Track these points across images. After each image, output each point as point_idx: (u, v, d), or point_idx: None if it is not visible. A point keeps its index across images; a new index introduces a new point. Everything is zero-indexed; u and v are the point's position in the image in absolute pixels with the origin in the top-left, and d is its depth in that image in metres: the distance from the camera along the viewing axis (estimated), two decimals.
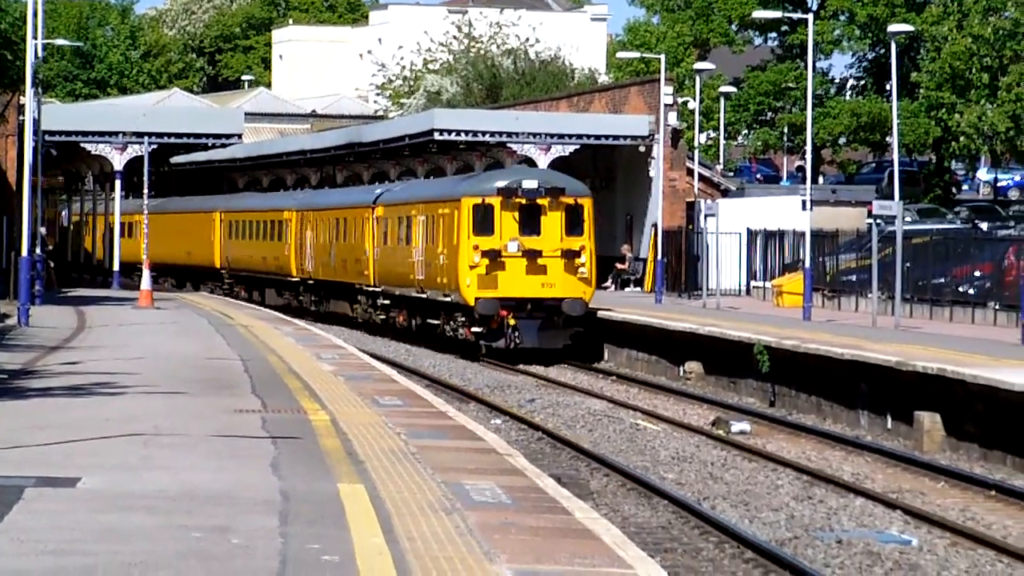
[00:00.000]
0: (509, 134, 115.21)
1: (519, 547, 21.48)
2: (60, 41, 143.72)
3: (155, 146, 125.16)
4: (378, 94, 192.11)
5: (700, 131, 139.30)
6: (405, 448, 33.88)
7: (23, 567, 19.28)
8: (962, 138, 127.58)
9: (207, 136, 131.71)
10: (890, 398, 54.98)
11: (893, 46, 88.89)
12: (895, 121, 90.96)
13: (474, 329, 62.67)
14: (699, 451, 51.19)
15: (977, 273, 79.99)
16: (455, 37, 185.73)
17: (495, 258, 60.72)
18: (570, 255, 61.33)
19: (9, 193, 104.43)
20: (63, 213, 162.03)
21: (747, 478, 45.47)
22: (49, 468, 28.91)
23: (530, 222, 61.03)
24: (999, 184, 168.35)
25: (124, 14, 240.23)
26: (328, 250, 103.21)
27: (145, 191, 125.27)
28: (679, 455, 50.17)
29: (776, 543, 34.95)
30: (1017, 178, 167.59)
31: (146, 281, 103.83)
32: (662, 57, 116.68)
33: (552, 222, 60.94)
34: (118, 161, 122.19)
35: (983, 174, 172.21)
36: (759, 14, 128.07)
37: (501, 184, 62.75)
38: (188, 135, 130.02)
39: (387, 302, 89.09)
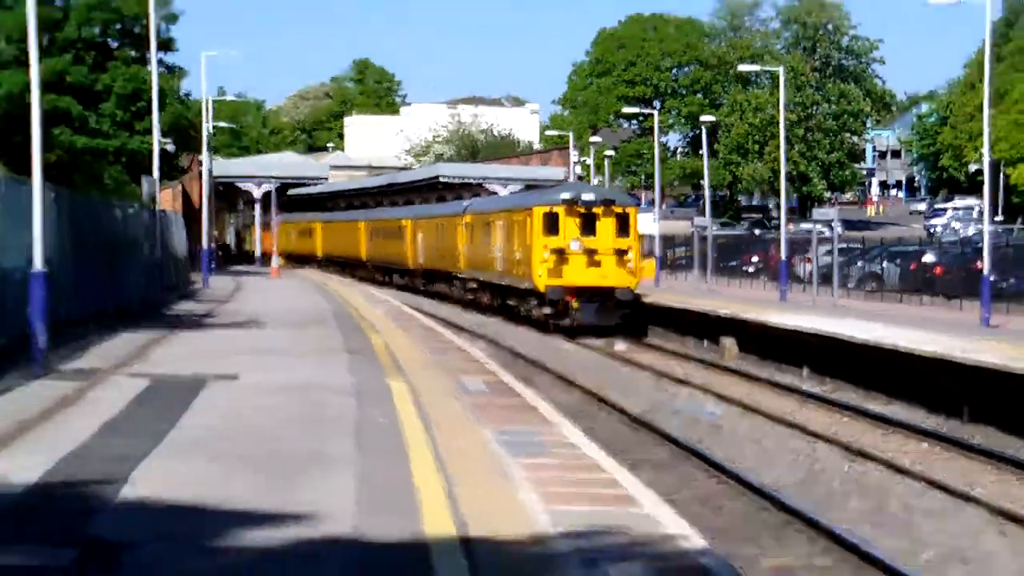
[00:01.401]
0: (484, 178, 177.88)
1: (494, 416, 28.94)
2: (221, 123, 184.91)
3: (278, 184, 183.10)
4: (407, 154, 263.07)
5: (593, 177, 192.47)
6: (428, 359, 45.11)
7: (209, 426, 29.09)
8: (743, 182, 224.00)
9: (308, 179, 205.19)
10: (707, 330, 79.61)
11: (704, 129, 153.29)
12: (706, 172, 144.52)
13: (544, 310, 71.64)
14: (597, 361, 71.74)
15: (754, 259, 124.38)
16: (450, 122, 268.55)
17: (560, 255, 69.89)
18: (620, 253, 70.63)
19: (194, 212, 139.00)
20: (229, 224, 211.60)
21: (624, 376, 64.62)
22: (222, 370, 40.32)
23: (588, 226, 69.65)
24: (768, 205, 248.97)
25: (259, 108, 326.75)
26: (432, 247, 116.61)
27: (273, 210, 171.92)
28: (586, 364, 69.06)
29: (640, 413, 49.45)
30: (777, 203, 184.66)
31: (274, 261, 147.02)
32: (571, 134, 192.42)
33: (605, 226, 69.78)
34: (256, 193, 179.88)
35: (756, 201, 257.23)
36: (627, 110, 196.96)
37: (565, 196, 71.62)
38: (297, 177, 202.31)
39: (474, 285, 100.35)
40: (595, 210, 69.33)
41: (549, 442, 27.83)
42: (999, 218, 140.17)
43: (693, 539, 19.42)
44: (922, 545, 28.60)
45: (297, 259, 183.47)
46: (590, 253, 68.85)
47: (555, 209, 69.12)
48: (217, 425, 28.84)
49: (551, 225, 68.94)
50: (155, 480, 22.38)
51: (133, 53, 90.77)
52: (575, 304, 68.00)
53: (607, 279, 67.98)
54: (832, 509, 31.30)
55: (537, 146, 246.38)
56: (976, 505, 32.56)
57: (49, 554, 17.36)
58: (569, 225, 68.64)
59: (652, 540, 19.15)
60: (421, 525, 19.33)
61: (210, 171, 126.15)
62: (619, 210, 70.89)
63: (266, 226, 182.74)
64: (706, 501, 31.81)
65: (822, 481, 34.29)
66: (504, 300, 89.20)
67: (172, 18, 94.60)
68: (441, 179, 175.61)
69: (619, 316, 69.64)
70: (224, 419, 30.02)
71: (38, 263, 40.43)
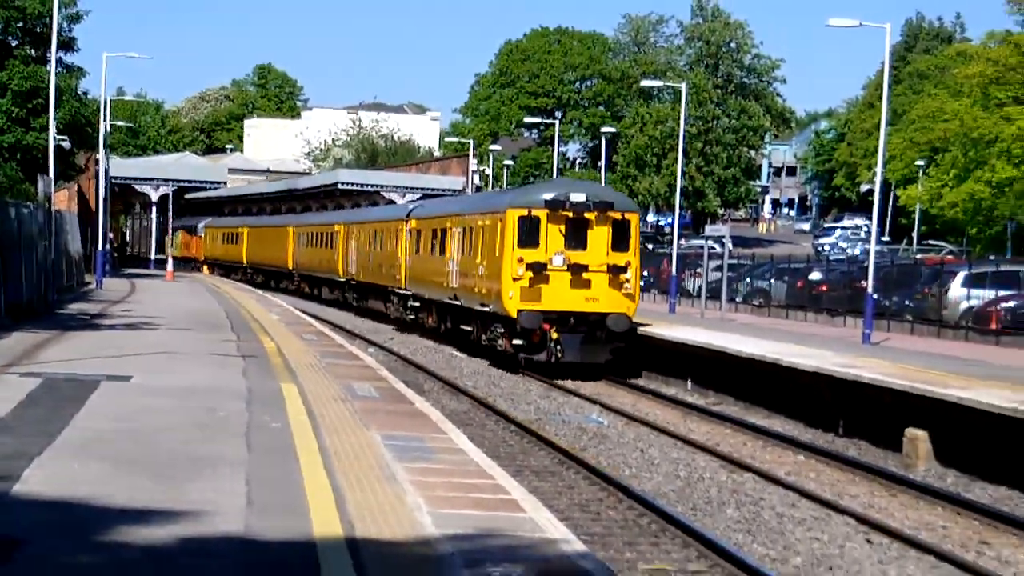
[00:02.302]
0: (383, 186, 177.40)
1: (383, 421, 29.43)
2: (119, 122, 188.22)
3: (175, 187, 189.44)
4: (306, 157, 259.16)
5: (491, 186, 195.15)
6: (319, 364, 43.50)
7: (102, 427, 28.95)
8: (639, 196, 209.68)
9: (206, 182, 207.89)
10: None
11: (603, 140, 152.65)
12: (603, 183, 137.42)
13: (515, 341, 57.82)
14: (487, 369, 68.61)
15: (644, 272, 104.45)
16: (351, 126, 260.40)
17: (539, 271, 55.91)
18: (616, 271, 56.46)
19: (90, 213, 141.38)
20: (125, 227, 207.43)
21: (512, 385, 62.44)
22: (114, 371, 40.66)
23: (577, 236, 56.11)
24: (661, 223, 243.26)
25: (158, 108, 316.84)
26: (367, 256, 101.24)
27: (170, 215, 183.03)
28: (475, 372, 67.47)
29: (528, 422, 48.56)
30: (670, 219, 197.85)
31: (169, 265, 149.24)
32: (471, 142, 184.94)
33: (599, 236, 55.89)
34: (153, 196, 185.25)
35: (651, 217, 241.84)
36: (528, 120, 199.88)
37: (548, 196, 57.63)
38: (195, 181, 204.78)
39: (416, 304, 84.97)
40: (587, 215, 57.39)
41: (435, 448, 28.11)
42: (886, 238, 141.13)
43: (574, 543, 19.74)
44: (792, 552, 28.86)
45: (222, 267, 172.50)
46: (578, 270, 56.32)
47: (535, 212, 57.10)
48: (110, 426, 28.99)
49: (529, 233, 56.67)
50: (47, 478, 22.60)
51: (33, 52, 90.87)
52: (555, 334, 55.92)
53: (598, 304, 55.94)
54: (708, 516, 31.57)
55: (437, 153, 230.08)
56: (845, 515, 33.20)
57: None
58: (552, 234, 56.55)
59: (534, 543, 19.45)
60: (310, 525, 19.59)
61: (107, 171, 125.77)
62: (617, 216, 58.19)
63: (190, 230, 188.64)
64: (586, 507, 31.97)
65: (700, 489, 34.69)
66: (456, 324, 75.97)
67: (76, 18, 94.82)
68: (340, 186, 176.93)
69: (609, 351, 57.40)
70: (117, 420, 30.13)
71: None
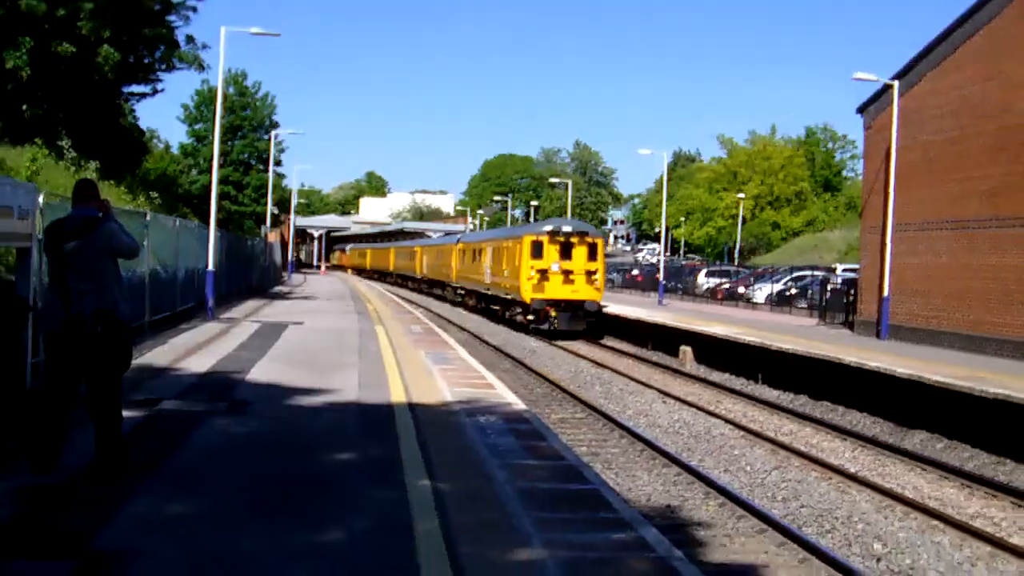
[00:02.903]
0: (425, 229, 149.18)
1: (425, 345, 27.87)
2: (301, 200, 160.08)
3: (326, 231, 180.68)
4: (391, 217, 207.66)
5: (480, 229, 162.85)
6: (395, 317, 42.58)
7: (289, 347, 28.42)
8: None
9: (342, 228, 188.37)
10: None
11: (532, 209, 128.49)
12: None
13: (529, 317, 52.93)
14: (496, 328, 55.64)
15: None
16: (411, 203, 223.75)
17: (543, 274, 52.39)
18: (589, 273, 52.78)
19: (285, 244, 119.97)
20: (301, 250, 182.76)
21: (492, 328, 55.00)
22: (295, 319, 39.81)
23: (566, 252, 52.62)
24: None
25: (319, 192, 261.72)
26: (435, 264, 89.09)
27: (324, 244, 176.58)
28: (480, 323, 52.80)
29: (498, 344, 45.85)
30: None
31: (323, 267, 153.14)
32: (468, 209, 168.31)
33: (579, 253, 52.42)
34: (316, 235, 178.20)
35: None
36: (496, 198, 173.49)
37: (549, 229, 54.38)
38: (337, 228, 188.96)
39: (463, 292, 74.22)
40: (572, 239, 53.76)
41: (452, 358, 27.65)
42: (668, 254, 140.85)
43: (519, 404, 19.50)
44: (626, 407, 28.47)
45: (356, 270, 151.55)
46: (566, 273, 52.97)
47: (540, 238, 53.66)
48: (292, 347, 28.57)
49: (537, 251, 53.12)
50: (262, 372, 22.37)
51: (261, 167, 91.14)
52: (554, 313, 52.24)
53: (578, 294, 52.35)
54: (584, 390, 31.13)
55: (452, 214, 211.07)
56: (653, 389, 32.37)
57: (212, 405, 17.60)
58: (551, 251, 53.02)
59: (501, 405, 19.22)
60: (390, 396, 19.28)
61: (294, 222, 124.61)
62: (590, 240, 54.49)
63: (342, 250, 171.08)
64: (527, 387, 31.56)
65: (583, 378, 34.29)
66: (488, 305, 67.04)
67: (281, 150, 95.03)
68: (404, 229, 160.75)
69: (585, 324, 53.08)
70: (296, 343, 29.68)
71: (211, 266, 40.76)
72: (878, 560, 14.52)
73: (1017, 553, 14.84)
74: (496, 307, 62.11)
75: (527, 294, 52.59)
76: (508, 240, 58.81)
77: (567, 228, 53.99)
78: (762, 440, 23.92)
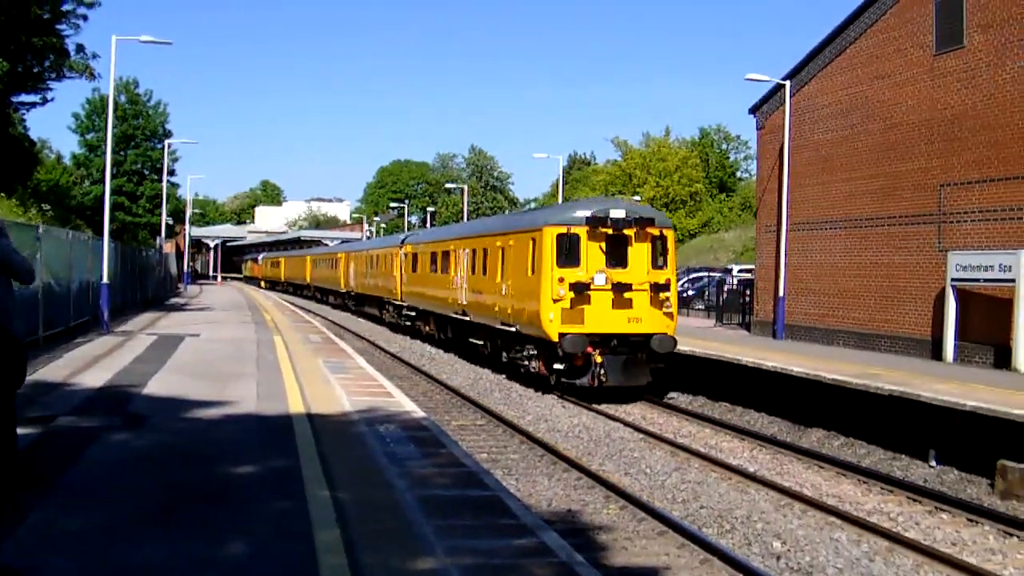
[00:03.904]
0: (323, 237, 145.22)
1: (324, 353, 27.88)
2: (196, 210, 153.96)
3: (222, 240, 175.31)
4: (287, 226, 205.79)
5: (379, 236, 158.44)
6: (293, 326, 41.72)
7: (186, 359, 28.25)
8: None
9: (237, 238, 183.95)
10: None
11: (428, 215, 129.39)
12: None
13: (555, 365, 33.17)
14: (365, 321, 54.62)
15: None
16: (307, 211, 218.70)
17: (581, 291, 33.15)
18: (656, 288, 33.93)
19: (180, 254, 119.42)
20: (197, 260, 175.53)
21: (391, 337, 52.93)
22: (192, 331, 39.54)
23: (617, 253, 34.42)
24: None
25: (214, 202, 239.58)
26: (367, 274, 66.30)
27: (220, 255, 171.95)
28: (372, 328, 52.45)
29: (396, 351, 44.24)
30: None
31: (219, 277, 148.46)
32: (364, 217, 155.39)
33: (639, 254, 34.28)
34: (211, 245, 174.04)
35: None
36: (392, 204, 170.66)
37: (588, 213, 34.38)
38: (232, 237, 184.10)
39: (413, 313, 52.51)
40: (626, 231, 34.67)
41: (350, 366, 27.61)
42: None
43: (418, 412, 19.46)
44: (526, 412, 28.50)
45: (269, 283, 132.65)
46: (620, 290, 33.42)
47: (574, 230, 34.17)
48: (190, 358, 28.41)
49: (569, 251, 34.14)
50: (159, 385, 22.26)
51: (155, 176, 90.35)
52: (598, 357, 32.47)
53: (641, 324, 33.32)
54: (484, 397, 31.07)
55: (348, 222, 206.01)
56: (553, 396, 32.54)
57: (109, 420, 17.45)
58: (593, 252, 33.94)
59: (399, 412, 19.17)
60: (288, 406, 19.26)
61: (189, 233, 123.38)
62: (655, 232, 34.82)
63: (253, 260, 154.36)
64: (426, 394, 31.48)
65: (482, 386, 34.20)
66: (462, 335, 43.66)
67: (175, 160, 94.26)
68: (302, 237, 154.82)
69: (649, 372, 33.33)
70: (193, 354, 29.47)
71: (106, 278, 40.31)
72: (778, 558, 14.66)
73: (913, 547, 15.07)
74: (480, 341, 40.56)
75: (552, 325, 31.80)
76: (510, 235, 37.10)
77: (618, 212, 33.16)
78: (662, 443, 24.05)
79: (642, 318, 31.56)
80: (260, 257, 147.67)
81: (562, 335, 30.59)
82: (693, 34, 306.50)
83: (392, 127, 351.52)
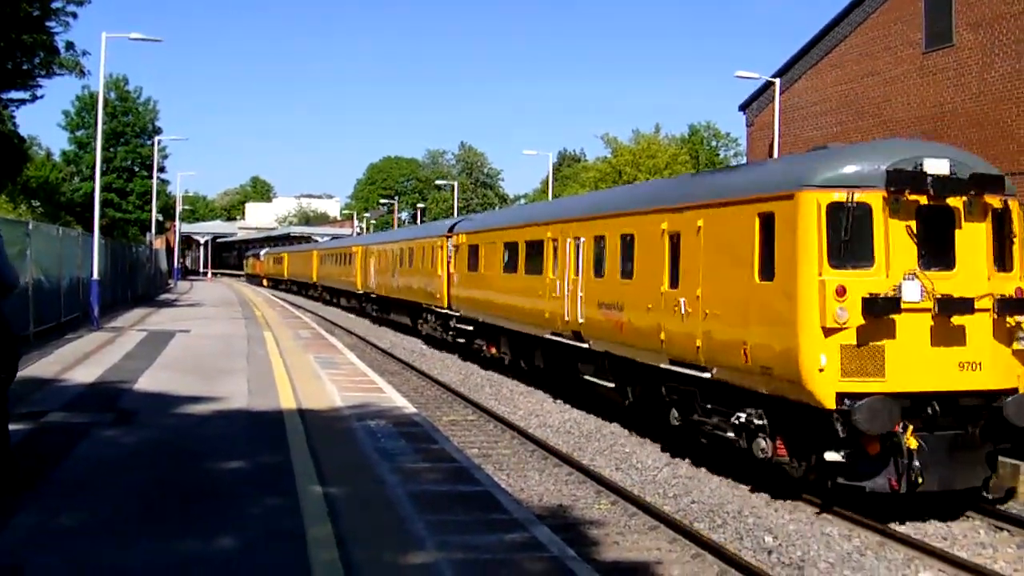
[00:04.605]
0: (312, 233, 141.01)
1: (315, 349, 27.70)
2: (186, 206, 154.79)
3: (212, 236, 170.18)
4: (276, 222, 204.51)
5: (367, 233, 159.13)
6: (283, 322, 44.01)
7: (176, 355, 28.46)
8: None
9: (228, 234, 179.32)
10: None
11: (418, 211, 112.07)
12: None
13: (829, 455, 15.09)
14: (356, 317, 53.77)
15: None
16: (297, 207, 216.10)
17: (881, 313, 14.49)
18: (1008, 307, 15.12)
19: (171, 250, 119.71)
20: (187, 256, 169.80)
21: (379, 332, 44.54)
22: (182, 327, 39.78)
23: (936, 242, 15.28)
24: None
25: (204, 199, 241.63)
26: (393, 271, 51.22)
27: (210, 251, 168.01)
28: (365, 325, 54.42)
29: (387, 347, 43.57)
30: None
31: (209, 274, 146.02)
32: (354, 213, 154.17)
33: (973, 242, 15.25)
34: (202, 241, 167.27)
35: None
36: (382, 201, 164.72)
37: (886, 164, 14.90)
38: (223, 234, 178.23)
39: (467, 327, 37.72)
40: (952, 201, 15.22)
41: (340, 362, 27.66)
42: None
43: (410, 408, 19.43)
44: (517, 408, 28.37)
45: (272, 280, 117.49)
46: (946, 309, 14.78)
47: (861, 196, 14.90)
48: (180, 354, 28.50)
49: (852, 237, 14.88)
50: (149, 381, 22.36)
51: (145, 173, 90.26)
52: (911, 441, 14.60)
53: (982, 374, 14.96)
54: (474, 392, 30.95)
55: (338, 218, 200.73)
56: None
57: (99, 416, 17.47)
58: (896, 238, 14.94)
59: (390, 408, 19.15)
60: (279, 402, 19.28)
61: (179, 229, 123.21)
62: (996, 203, 15.56)
63: (255, 256, 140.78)
64: (417, 390, 31.41)
65: (472, 381, 34.08)
66: (570, 365, 27.09)
67: (165, 156, 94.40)
68: (292, 233, 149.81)
69: (987, 461, 15.83)
70: (184, 350, 29.59)
71: (96, 275, 40.25)
72: (769, 553, 14.60)
73: (904, 542, 15.02)
74: (608, 382, 24.56)
75: (822, 379, 15.37)
76: (706, 208, 19.06)
77: (938, 164, 15.82)
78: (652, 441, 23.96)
79: (983, 362, 15.72)
80: (262, 253, 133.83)
81: (846, 398, 15.21)
82: (683, 31, 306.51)
83: (382, 124, 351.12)
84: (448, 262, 40.31)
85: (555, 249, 27.43)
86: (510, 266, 31.75)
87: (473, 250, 36.81)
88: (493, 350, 34.85)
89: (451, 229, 40.89)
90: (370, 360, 36.83)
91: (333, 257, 76.92)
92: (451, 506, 11.83)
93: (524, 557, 9.98)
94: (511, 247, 31.97)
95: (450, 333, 40.15)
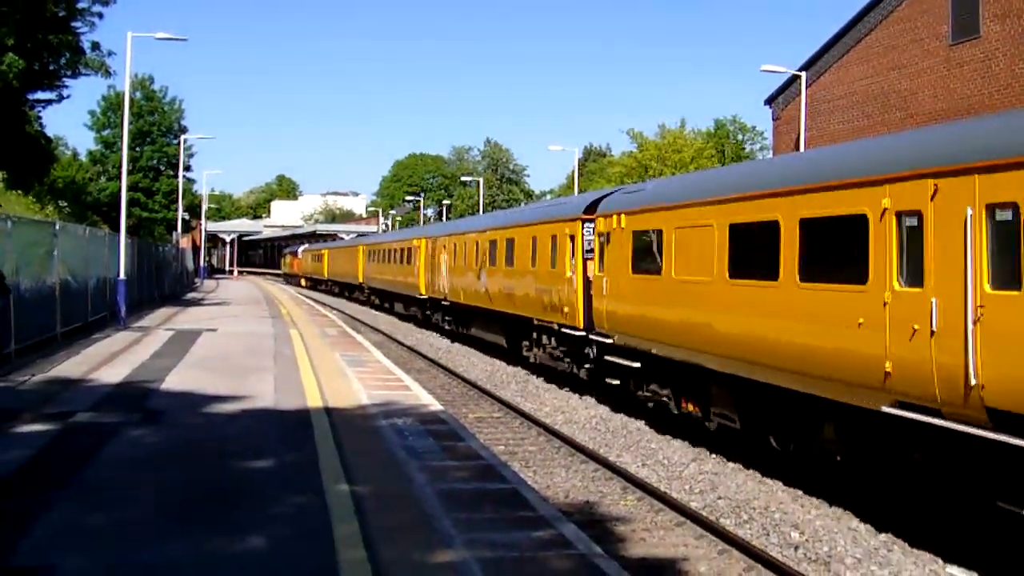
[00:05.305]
0: (338, 231, 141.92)
1: (341, 346, 27.87)
2: (212, 205, 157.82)
3: (238, 235, 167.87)
4: (303, 220, 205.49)
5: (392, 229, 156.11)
6: (311, 319, 41.33)
7: (203, 354, 28.65)
8: None
9: (254, 232, 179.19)
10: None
11: (444, 209, 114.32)
12: None
13: None
14: (398, 320, 53.30)
15: None
16: (322, 205, 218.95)
17: None
18: None
19: (197, 249, 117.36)
20: (213, 255, 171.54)
21: (402, 328, 43.45)
22: (209, 325, 39.91)
23: None
24: None
25: (230, 197, 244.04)
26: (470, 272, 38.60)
27: (236, 249, 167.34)
28: (391, 322, 50.84)
29: (412, 346, 42.16)
30: None
31: (235, 272, 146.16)
32: (380, 210, 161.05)
33: None
34: (227, 239, 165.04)
35: None
36: (408, 198, 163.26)
37: None
38: (249, 232, 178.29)
39: (627, 363, 23.68)
40: None
41: (367, 360, 27.74)
42: None
43: (436, 405, 19.50)
44: (543, 404, 28.37)
45: (311, 281, 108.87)
46: None
47: None
48: (207, 353, 28.58)
49: None
50: (177, 380, 22.45)
51: (171, 172, 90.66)
52: None
53: None
54: (500, 389, 30.99)
55: (364, 216, 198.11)
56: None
57: (127, 416, 17.56)
58: None
59: (417, 406, 19.22)
60: (306, 401, 19.35)
61: (205, 228, 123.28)
62: None
63: (293, 254, 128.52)
64: (443, 387, 31.45)
65: (498, 378, 34.09)
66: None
67: (191, 155, 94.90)
68: (318, 231, 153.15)
69: None
70: (211, 349, 29.69)
71: (122, 274, 40.43)
72: (796, 548, 14.61)
73: (931, 538, 14.93)
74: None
75: None
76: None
77: None
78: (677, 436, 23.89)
79: None
80: (300, 250, 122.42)
81: None
82: (708, 27, 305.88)
83: (407, 121, 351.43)
84: (587, 258, 27.45)
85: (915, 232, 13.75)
86: (747, 265, 18.25)
87: (646, 239, 23.01)
88: (691, 407, 21.43)
89: (591, 207, 27.58)
90: (395, 356, 36.87)
91: (385, 253, 63.89)
92: (479, 504, 11.87)
93: (552, 555, 10.01)
94: (755, 232, 17.95)
95: (585, 366, 27.82)
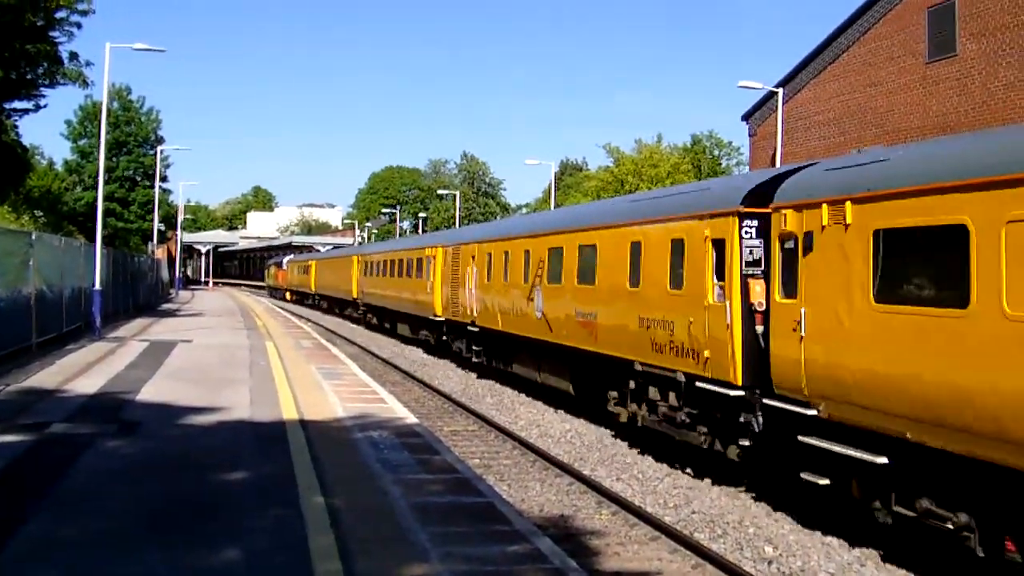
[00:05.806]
0: (314, 243, 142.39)
1: (316, 359, 27.74)
2: (187, 216, 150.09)
3: (213, 246, 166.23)
4: (278, 231, 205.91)
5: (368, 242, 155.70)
6: (286, 332, 41.34)
7: (179, 365, 28.59)
8: None
9: (229, 243, 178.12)
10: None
11: (420, 221, 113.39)
12: None
13: None
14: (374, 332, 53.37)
15: None
16: (299, 217, 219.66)
17: None
18: None
19: (172, 259, 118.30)
20: (188, 265, 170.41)
21: (380, 340, 45.47)
22: (184, 336, 39.67)
23: None
24: None
25: (205, 208, 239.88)
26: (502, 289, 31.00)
27: (211, 260, 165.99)
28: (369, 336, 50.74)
29: (388, 358, 41.85)
30: None
31: (210, 283, 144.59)
32: (355, 222, 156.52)
33: None
34: (203, 250, 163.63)
35: None
36: (384, 210, 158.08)
37: None
38: (224, 243, 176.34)
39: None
40: None
41: (342, 372, 27.72)
42: None
43: (411, 418, 19.54)
44: (518, 418, 28.37)
45: (297, 295, 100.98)
46: None
47: None
48: (182, 364, 28.56)
49: None
50: (152, 391, 22.43)
51: (147, 183, 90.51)
52: None
53: None
54: (475, 403, 30.97)
55: (340, 228, 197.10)
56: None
57: (102, 427, 17.55)
58: None
59: (392, 419, 19.25)
60: (281, 413, 19.38)
61: (180, 239, 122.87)
62: None
63: (277, 265, 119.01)
64: (418, 400, 31.44)
65: (472, 391, 34.07)
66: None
67: (167, 166, 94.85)
68: (293, 243, 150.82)
69: None
70: (186, 360, 29.64)
71: (98, 285, 40.36)
72: (769, 563, 14.65)
73: (903, 554, 14.99)
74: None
75: None
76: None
77: None
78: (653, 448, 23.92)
79: None
80: (285, 261, 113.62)
81: None
82: (685, 42, 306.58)
83: (384, 133, 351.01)
84: (749, 274, 17.52)
85: None
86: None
87: (912, 243, 13.27)
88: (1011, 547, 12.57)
89: (758, 194, 17.28)
90: (371, 369, 36.75)
91: (387, 265, 53.83)
92: (454, 517, 11.92)
93: (526, 568, 10.06)
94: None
95: (740, 443, 17.83)
